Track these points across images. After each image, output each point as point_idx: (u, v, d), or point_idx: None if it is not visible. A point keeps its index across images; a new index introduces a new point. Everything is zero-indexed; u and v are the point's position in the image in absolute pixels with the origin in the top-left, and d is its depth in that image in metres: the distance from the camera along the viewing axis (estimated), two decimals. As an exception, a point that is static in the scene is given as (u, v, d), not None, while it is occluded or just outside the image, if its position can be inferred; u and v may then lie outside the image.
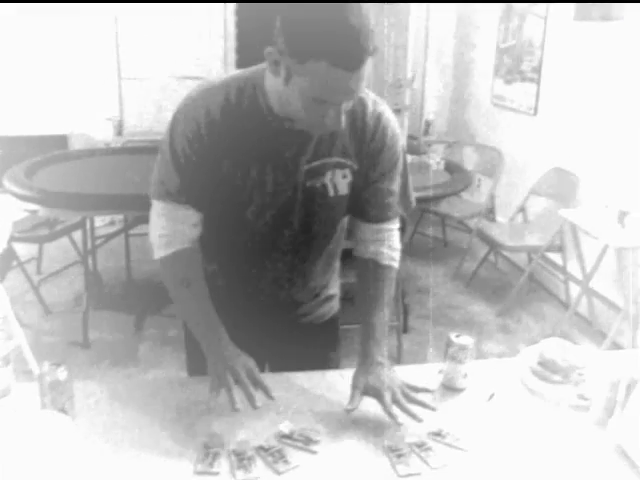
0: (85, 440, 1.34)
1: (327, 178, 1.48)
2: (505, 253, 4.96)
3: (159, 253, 1.52)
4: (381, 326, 1.56)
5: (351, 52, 1.20)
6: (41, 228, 4.11)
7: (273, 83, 1.34)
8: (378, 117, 1.48)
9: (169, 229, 1.50)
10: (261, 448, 1.34)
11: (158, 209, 1.51)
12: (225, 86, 1.42)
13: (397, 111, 5.67)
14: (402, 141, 1.56)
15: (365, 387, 1.46)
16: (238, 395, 1.38)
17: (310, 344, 1.74)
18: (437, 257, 5.20)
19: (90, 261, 4.18)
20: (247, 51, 5.46)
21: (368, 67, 1.24)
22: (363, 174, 1.51)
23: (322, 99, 1.26)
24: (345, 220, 1.65)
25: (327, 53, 1.19)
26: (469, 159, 5.25)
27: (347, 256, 1.72)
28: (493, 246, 4.55)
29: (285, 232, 1.54)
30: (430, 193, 3.92)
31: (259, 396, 1.40)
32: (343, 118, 1.32)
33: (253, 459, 1.30)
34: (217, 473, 1.27)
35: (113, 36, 5.45)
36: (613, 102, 3.91)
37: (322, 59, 1.19)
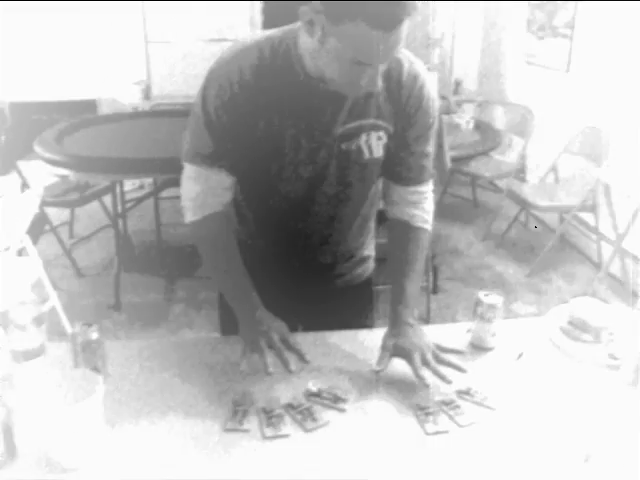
0: (116, 398, 1.36)
1: (362, 140, 1.46)
2: (536, 213, 4.90)
3: (190, 217, 1.52)
4: (412, 288, 1.55)
5: (388, 12, 1.17)
6: (72, 192, 4.15)
7: (307, 43, 1.31)
8: (415, 77, 1.45)
9: (201, 193, 1.49)
10: (290, 406, 1.35)
11: (190, 172, 1.49)
12: (257, 46, 1.39)
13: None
14: (438, 102, 1.54)
15: (394, 348, 1.46)
16: (271, 359, 1.40)
17: (344, 305, 1.75)
18: (467, 217, 5.17)
19: (120, 224, 4.22)
20: (273, 12, 5.40)
21: (406, 28, 1.21)
22: (398, 136, 1.49)
23: (358, 60, 1.24)
24: (380, 182, 1.63)
25: (363, 13, 1.16)
26: (499, 118, 5.17)
27: (383, 217, 1.71)
28: (524, 206, 4.49)
29: (320, 195, 1.53)
30: (460, 153, 3.88)
31: (293, 360, 1.42)
32: (379, 79, 1.30)
33: (282, 417, 1.32)
34: (247, 430, 1.29)
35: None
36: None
37: (358, 19, 1.17)
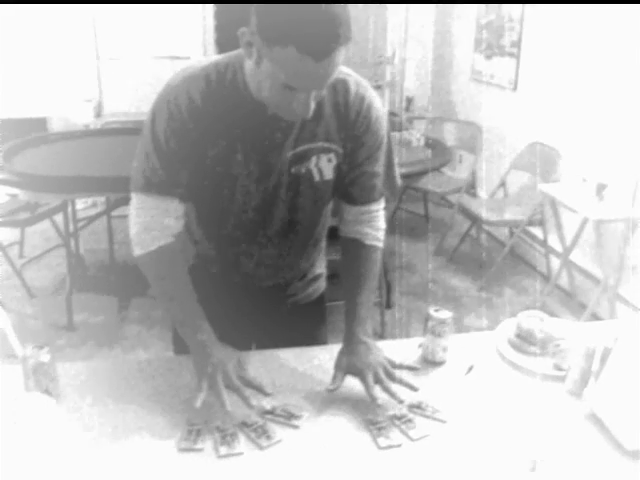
0: (69, 421, 1.35)
1: (312, 163, 1.47)
2: (487, 228, 4.99)
3: (139, 251, 1.47)
4: (365, 305, 1.57)
5: (320, 40, 1.17)
6: (22, 212, 4.08)
7: (248, 66, 1.32)
8: (362, 99, 1.46)
9: (150, 223, 1.45)
10: (244, 424, 1.36)
11: (139, 203, 1.46)
12: (205, 72, 1.38)
13: (378, 87, 5.67)
14: (386, 121, 1.55)
15: (348, 367, 1.48)
16: (227, 396, 1.36)
17: (297, 323, 1.75)
18: (419, 233, 5.24)
19: (72, 244, 4.17)
20: (226, 29, 5.42)
21: (340, 57, 1.22)
22: (348, 157, 1.50)
23: (290, 85, 1.24)
24: (331, 202, 1.64)
25: (295, 39, 1.16)
26: (450, 135, 5.26)
27: (333, 234, 1.72)
28: (475, 221, 4.58)
29: (272, 218, 1.53)
30: (411, 169, 3.94)
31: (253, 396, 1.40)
32: (312, 105, 1.30)
33: (236, 435, 1.33)
34: (201, 450, 1.29)
35: (90, 17, 5.39)
36: (592, 76, 3.93)
37: (290, 45, 1.16)
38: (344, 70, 1.45)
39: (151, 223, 1.45)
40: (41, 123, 5.29)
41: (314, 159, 1.46)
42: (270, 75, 1.24)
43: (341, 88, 1.43)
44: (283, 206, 1.52)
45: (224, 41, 5.58)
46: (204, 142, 1.40)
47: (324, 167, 1.48)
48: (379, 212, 1.63)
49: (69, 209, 3.97)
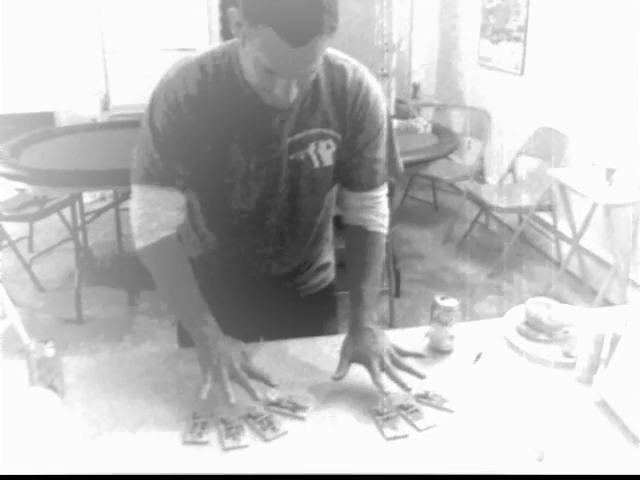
0: (74, 414, 1.35)
1: (311, 150, 1.45)
2: (496, 214, 4.96)
3: (141, 244, 1.47)
4: (370, 292, 1.56)
5: (300, 25, 1.15)
6: (30, 206, 4.08)
7: (240, 50, 1.31)
8: (359, 84, 1.44)
9: (151, 215, 1.44)
10: (249, 416, 1.35)
11: (140, 195, 1.45)
12: (201, 61, 1.38)
13: (384, 75, 5.63)
14: (385, 106, 1.53)
15: (354, 355, 1.46)
16: (232, 388, 1.35)
17: (306, 314, 1.74)
18: (428, 221, 5.22)
19: (81, 237, 4.17)
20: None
21: (322, 45, 1.20)
22: (348, 143, 1.49)
23: (269, 69, 1.23)
24: (334, 190, 1.63)
25: (275, 21, 1.15)
26: (457, 121, 5.23)
27: (341, 223, 1.71)
28: (484, 208, 4.55)
29: (273, 207, 1.52)
30: (419, 157, 3.92)
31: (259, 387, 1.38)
32: (295, 92, 1.28)
33: (241, 427, 1.32)
34: (206, 442, 1.28)
35: (95, 10, 5.37)
36: (600, 59, 3.89)
37: (270, 26, 1.15)
38: (341, 56, 1.44)
39: (152, 215, 1.45)
40: (48, 117, 5.29)
41: (312, 146, 1.45)
42: (252, 57, 1.24)
43: (338, 74, 1.42)
44: (284, 194, 1.50)
45: (230, 32, 5.55)
46: (202, 131, 1.39)
47: (323, 153, 1.47)
48: (382, 198, 1.61)
49: (77, 203, 3.98)
